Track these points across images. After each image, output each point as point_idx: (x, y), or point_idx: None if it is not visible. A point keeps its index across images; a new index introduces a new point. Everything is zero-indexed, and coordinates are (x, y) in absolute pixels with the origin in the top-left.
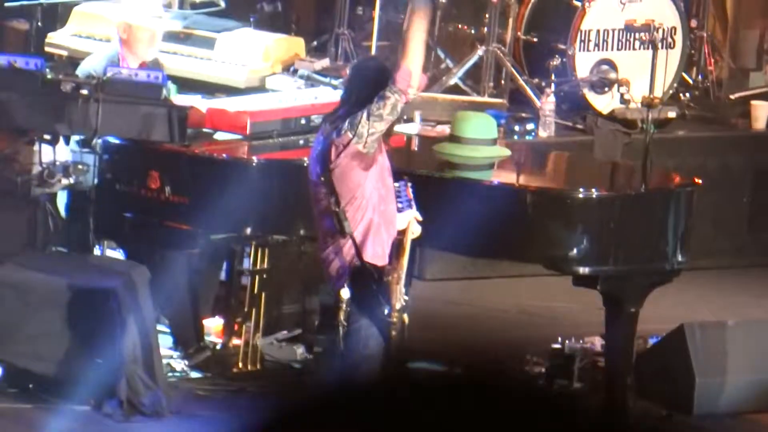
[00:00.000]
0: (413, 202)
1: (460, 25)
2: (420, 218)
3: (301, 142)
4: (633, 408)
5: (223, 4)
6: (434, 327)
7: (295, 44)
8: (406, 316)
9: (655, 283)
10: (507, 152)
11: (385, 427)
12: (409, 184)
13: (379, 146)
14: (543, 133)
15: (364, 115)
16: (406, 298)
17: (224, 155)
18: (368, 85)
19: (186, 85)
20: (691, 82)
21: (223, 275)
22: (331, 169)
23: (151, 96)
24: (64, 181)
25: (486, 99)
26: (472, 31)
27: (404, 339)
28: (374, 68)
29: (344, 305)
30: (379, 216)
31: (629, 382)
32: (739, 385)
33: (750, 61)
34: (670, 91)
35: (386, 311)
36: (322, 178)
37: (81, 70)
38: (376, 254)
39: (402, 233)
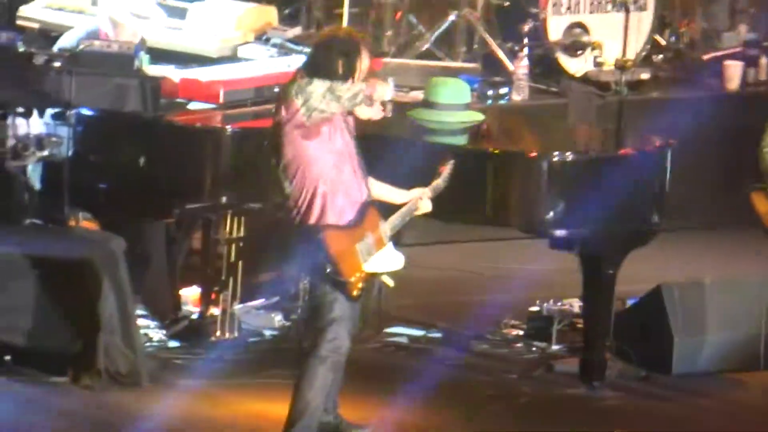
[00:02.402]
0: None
1: None
2: (430, 194)
3: (274, 110)
4: (612, 369)
5: None
6: (410, 292)
7: (267, 13)
8: (387, 279)
9: (633, 244)
10: (480, 117)
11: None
12: (448, 164)
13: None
14: (516, 97)
15: (323, 89)
16: (400, 261)
17: (198, 125)
18: (333, 55)
19: (158, 55)
20: (663, 43)
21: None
22: (279, 135)
23: (124, 67)
24: (38, 154)
25: (459, 64)
26: None
27: (380, 303)
28: (341, 39)
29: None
30: (331, 184)
31: (608, 344)
32: (717, 345)
33: (722, 22)
34: (643, 53)
35: (329, 269)
36: (272, 143)
37: (61, 45)
38: (327, 219)
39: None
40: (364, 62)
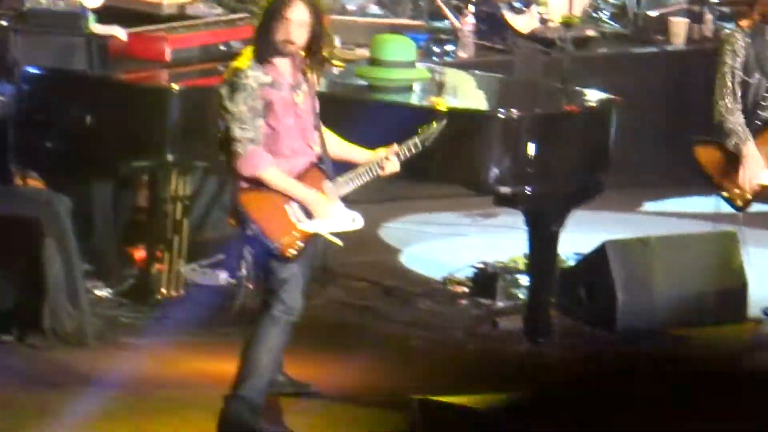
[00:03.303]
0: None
1: None
2: (399, 155)
3: (221, 68)
4: (556, 326)
5: None
6: (356, 249)
7: None
8: (333, 239)
9: (577, 201)
10: (426, 74)
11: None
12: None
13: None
14: (462, 54)
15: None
16: (353, 221)
17: (144, 83)
18: (265, 11)
19: (105, 14)
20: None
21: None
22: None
23: (71, 26)
24: None
25: (405, 21)
26: None
27: (325, 260)
28: None
29: None
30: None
31: (552, 301)
32: (661, 302)
33: None
34: (589, 10)
35: (250, 232)
36: None
37: None
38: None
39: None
40: (295, 13)
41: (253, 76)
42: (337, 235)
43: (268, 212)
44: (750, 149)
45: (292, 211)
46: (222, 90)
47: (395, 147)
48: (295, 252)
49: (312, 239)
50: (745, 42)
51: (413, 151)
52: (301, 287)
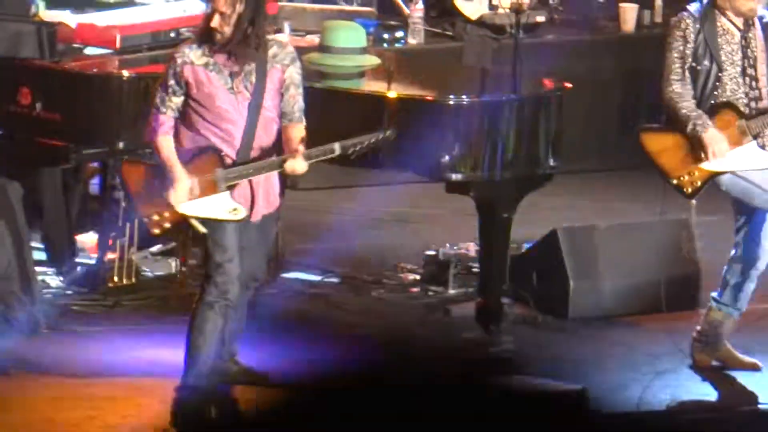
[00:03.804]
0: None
1: None
2: (299, 154)
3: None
4: (508, 313)
5: None
6: (307, 236)
7: None
8: (197, 224)
9: (528, 188)
10: (376, 61)
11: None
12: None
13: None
14: (412, 41)
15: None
16: (234, 212)
17: (94, 70)
18: None
19: (55, 1)
20: None
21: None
22: None
23: (20, 12)
24: None
25: (355, 8)
26: None
27: (277, 248)
28: None
29: None
30: (188, 127)
31: (504, 288)
32: (614, 288)
33: None
34: None
35: (125, 204)
36: None
37: None
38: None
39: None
40: (217, 2)
41: (183, 53)
42: (209, 222)
43: (146, 187)
44: (711, 132)
45: (171, 190)
46: None
47: (301, 148)
48: (158, 231)
49: (180, 221)
50: (694, 28)
51: (329, 155)
52: (237, 273)
